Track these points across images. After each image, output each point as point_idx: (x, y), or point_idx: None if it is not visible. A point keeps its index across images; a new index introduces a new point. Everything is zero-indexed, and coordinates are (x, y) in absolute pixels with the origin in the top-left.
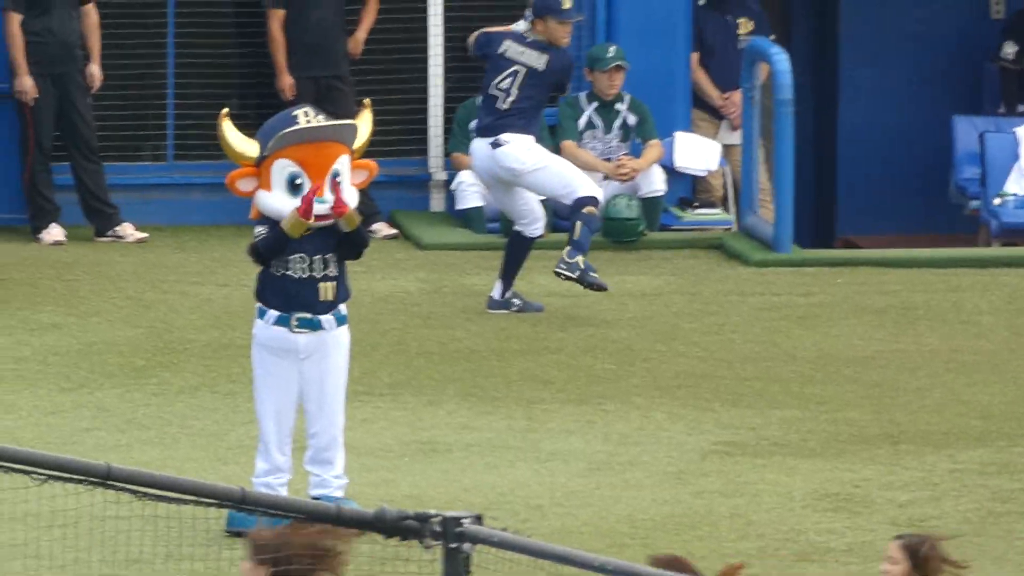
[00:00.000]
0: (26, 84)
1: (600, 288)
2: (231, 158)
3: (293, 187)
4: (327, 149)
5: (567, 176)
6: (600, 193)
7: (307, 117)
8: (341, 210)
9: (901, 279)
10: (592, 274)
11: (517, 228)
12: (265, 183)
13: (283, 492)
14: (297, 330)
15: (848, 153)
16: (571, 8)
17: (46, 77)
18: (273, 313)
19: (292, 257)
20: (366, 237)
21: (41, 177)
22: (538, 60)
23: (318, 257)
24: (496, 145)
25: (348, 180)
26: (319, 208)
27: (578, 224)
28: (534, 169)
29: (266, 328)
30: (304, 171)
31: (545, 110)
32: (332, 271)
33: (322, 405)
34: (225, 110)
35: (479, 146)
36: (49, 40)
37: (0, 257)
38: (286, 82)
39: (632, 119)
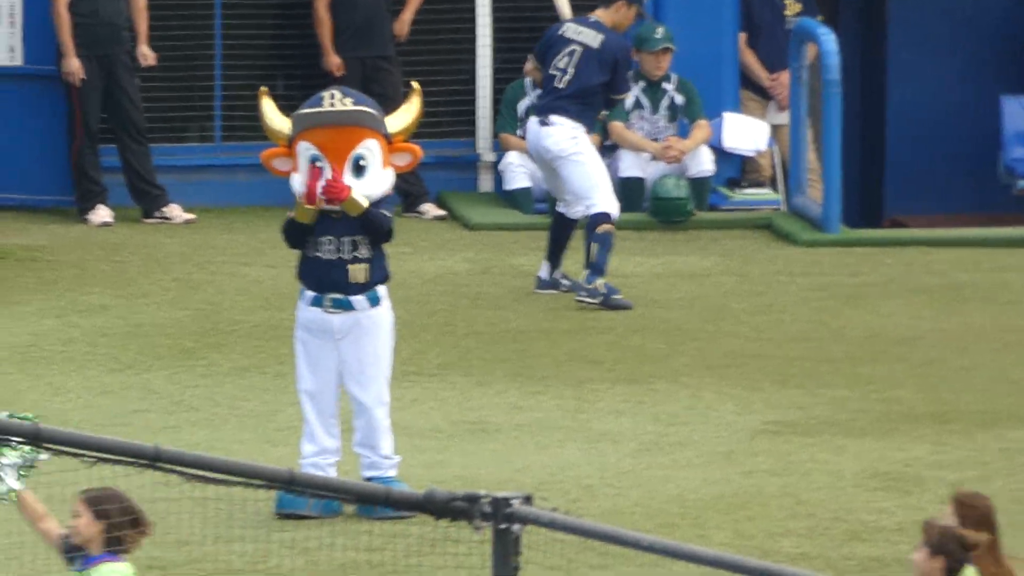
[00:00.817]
0: (73, 65)
1: (625, 308)
2: (269, 137)
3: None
4: (347, 134)
5: (594, 181)
6: (616, 209)
7: (331, 100)
8: (338, 195)
9: (949, 259)
10: (615, 296)
11: (559, 209)
12: (295, 164)
13: (332, 473)
14: (331, 311)
15: (896, 133)
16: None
17: (92, 59)
18: (309, 294)
19: (321, 239)
20: (381, 220)
21: (88, 159)
22: (594, 39)
23: (347, 239)
24: (544, 124)
25: (377, 165)
26: (357, 194)
27: (594, 246)
28: (569, 158)
29: (304, 309)
30: (323, 155)
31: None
32: (363, 253)
33: (363, 386)
34: (264, 88)
35: (532, 123)
36: (95, 21)
37: (48, 239)
38: (333, 62)
39: (679, 99)
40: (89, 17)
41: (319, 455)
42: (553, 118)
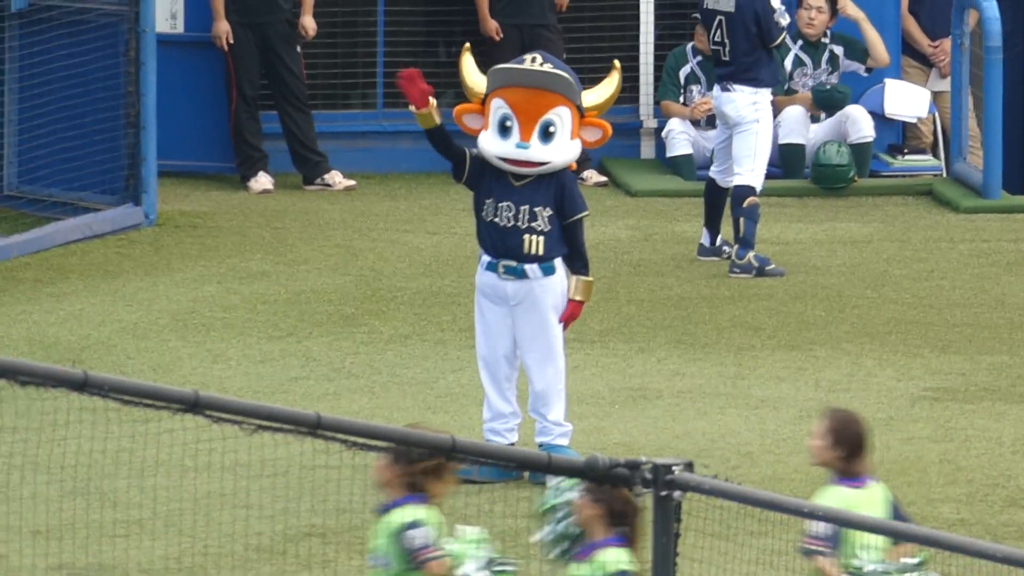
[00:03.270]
0: (221, 29)
1: (779, 275)
2: (466, 94)
3: (503, 129)
4: (540, 97)
5: (753, 151)
6: (760, 182)
7: (532, 62)
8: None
9: None
10: (768, 267)
11: (711, 174)
12: (486, 122)
13: (511, 437)
14: (504, 277)
15: None
16: None
17: (246, 26)
18: (485, 258)
19: (500, 204)
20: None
21: (247, 125)
22: (728, 4)
23: (525, 207)
24: (724, 89)
25: (565, 134)
26: (520, 153)
27: (742, 221)
28: (743, 125)
29: (481, 273)
30: (515, 114)
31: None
32: (540, 225)
33: (534, 352)
34: (467, 44)
35: (716, 90)
36: None
37: (209, 205)
38: (491, 26)
39: (838, 49)
40: None
41: (495, 420)
42: (734, 85)
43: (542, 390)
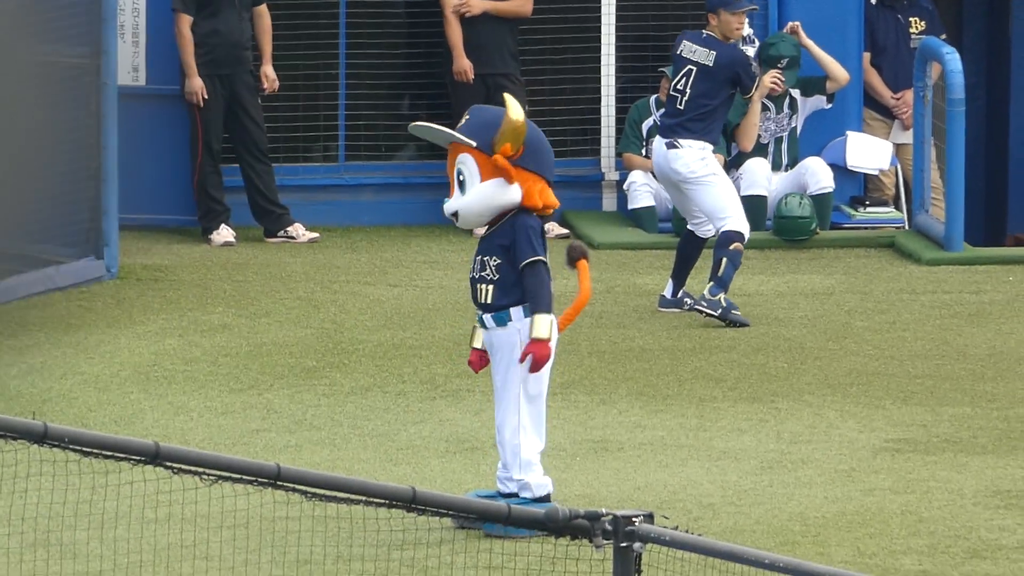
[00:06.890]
0: (196, 85)
1: (742, 325)
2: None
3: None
4: (452, 151)
5: (724, 201)
6: (747, 230)
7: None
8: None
9: None
10: (734, 312)
11: (689, 227)
12: None
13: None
14: (480, 327)
15: (1020, 151)
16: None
17: (215, 78)
18: None
19: (473, 258)
20: (536, 283)
21: (211, 178)
22: (707, 57)
23: (479, 258)
24: (671, 146)
25: (474, 179)
26: (445, 209)
27: (723, 261)
28: (699, 180)
29: None
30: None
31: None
32: (489, 274)
33: (497, 403)
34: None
35: (658, 144)
36: (218, 42)
37: (171, 258)
38: (464, 65)
39: (796, 93)
40: (211, 37)
41: (501, 470)
42: (681, 141)
43: (502, 443)
